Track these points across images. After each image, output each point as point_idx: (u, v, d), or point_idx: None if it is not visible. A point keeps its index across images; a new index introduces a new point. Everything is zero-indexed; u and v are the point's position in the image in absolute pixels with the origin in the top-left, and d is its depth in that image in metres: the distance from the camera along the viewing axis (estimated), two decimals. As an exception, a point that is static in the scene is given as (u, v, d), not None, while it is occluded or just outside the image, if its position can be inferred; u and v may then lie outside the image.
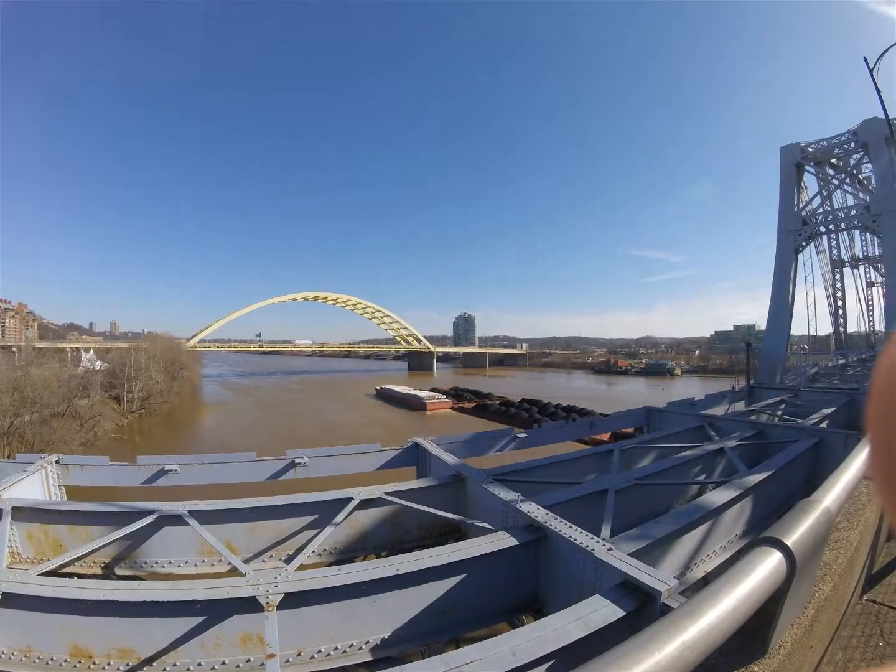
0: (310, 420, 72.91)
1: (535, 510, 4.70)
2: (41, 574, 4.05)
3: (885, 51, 15.37)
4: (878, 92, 15.23)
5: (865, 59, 15.18)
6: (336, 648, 3.58)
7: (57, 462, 6.76)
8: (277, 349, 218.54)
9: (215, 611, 3.41)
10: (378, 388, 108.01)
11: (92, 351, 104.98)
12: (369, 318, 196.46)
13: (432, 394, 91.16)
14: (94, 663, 3.41)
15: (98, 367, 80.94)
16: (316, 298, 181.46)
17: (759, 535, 2.57)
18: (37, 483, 6.43)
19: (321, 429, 64.05)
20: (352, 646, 3.62)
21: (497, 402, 78.14)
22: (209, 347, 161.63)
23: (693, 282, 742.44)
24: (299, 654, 3.50)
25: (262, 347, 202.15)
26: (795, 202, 41.48)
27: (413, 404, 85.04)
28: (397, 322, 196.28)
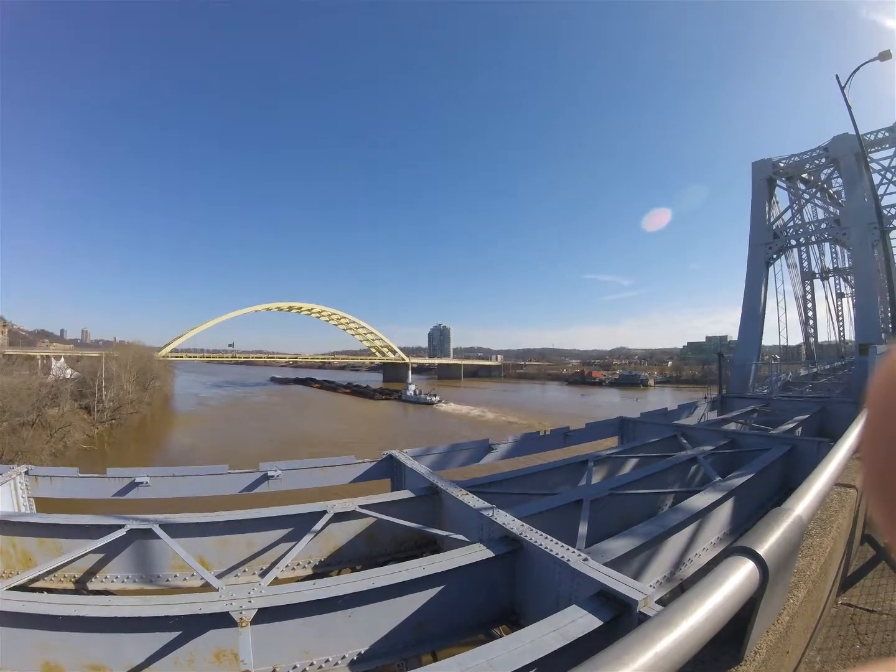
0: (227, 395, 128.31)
1: (510, 521, 4.69)
2: (10, 588, 3.93)
3: (857, 69, 15.91)
4: (849, 108, 15.69)
5: (837, 77, 15.65)
6: (312, 664, 3.53)
7: (26, 473, 6.58)
8: (251, 359, 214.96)
9: (188, 627, 3.34)
10: (271, 377, 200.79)
11: (63, 359, 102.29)
12: (344, 329, 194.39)
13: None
14: None
15: (68, 376, 78.68)
16: (290, 308, 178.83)
17: (733, 543, 2.60)
18: (5, 494, 6.24)
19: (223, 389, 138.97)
20: (328, 661, 3.57)
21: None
22: (181, 357, 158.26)
23: (645, 300, 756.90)
24: (274, 670, 3.45)
25: (235, 358, 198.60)
26: (767, 216, 42.52)
27: (279, 381, 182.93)
28: (372, 333, 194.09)
